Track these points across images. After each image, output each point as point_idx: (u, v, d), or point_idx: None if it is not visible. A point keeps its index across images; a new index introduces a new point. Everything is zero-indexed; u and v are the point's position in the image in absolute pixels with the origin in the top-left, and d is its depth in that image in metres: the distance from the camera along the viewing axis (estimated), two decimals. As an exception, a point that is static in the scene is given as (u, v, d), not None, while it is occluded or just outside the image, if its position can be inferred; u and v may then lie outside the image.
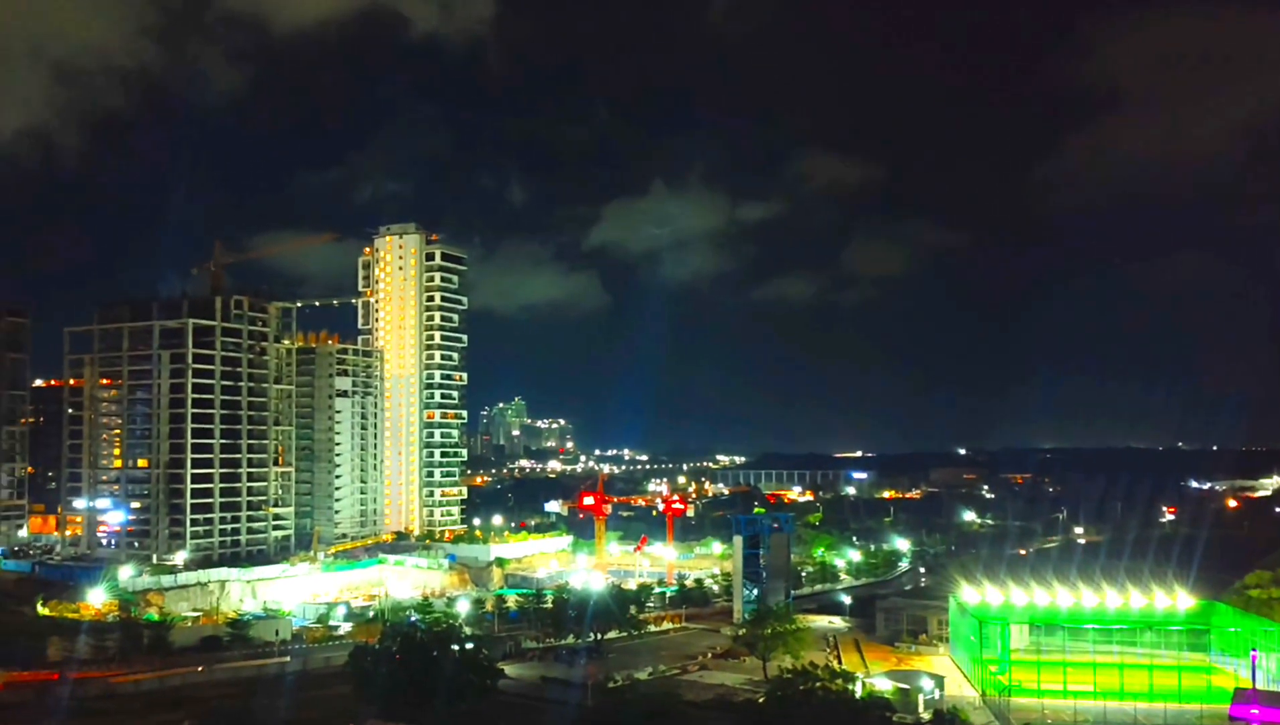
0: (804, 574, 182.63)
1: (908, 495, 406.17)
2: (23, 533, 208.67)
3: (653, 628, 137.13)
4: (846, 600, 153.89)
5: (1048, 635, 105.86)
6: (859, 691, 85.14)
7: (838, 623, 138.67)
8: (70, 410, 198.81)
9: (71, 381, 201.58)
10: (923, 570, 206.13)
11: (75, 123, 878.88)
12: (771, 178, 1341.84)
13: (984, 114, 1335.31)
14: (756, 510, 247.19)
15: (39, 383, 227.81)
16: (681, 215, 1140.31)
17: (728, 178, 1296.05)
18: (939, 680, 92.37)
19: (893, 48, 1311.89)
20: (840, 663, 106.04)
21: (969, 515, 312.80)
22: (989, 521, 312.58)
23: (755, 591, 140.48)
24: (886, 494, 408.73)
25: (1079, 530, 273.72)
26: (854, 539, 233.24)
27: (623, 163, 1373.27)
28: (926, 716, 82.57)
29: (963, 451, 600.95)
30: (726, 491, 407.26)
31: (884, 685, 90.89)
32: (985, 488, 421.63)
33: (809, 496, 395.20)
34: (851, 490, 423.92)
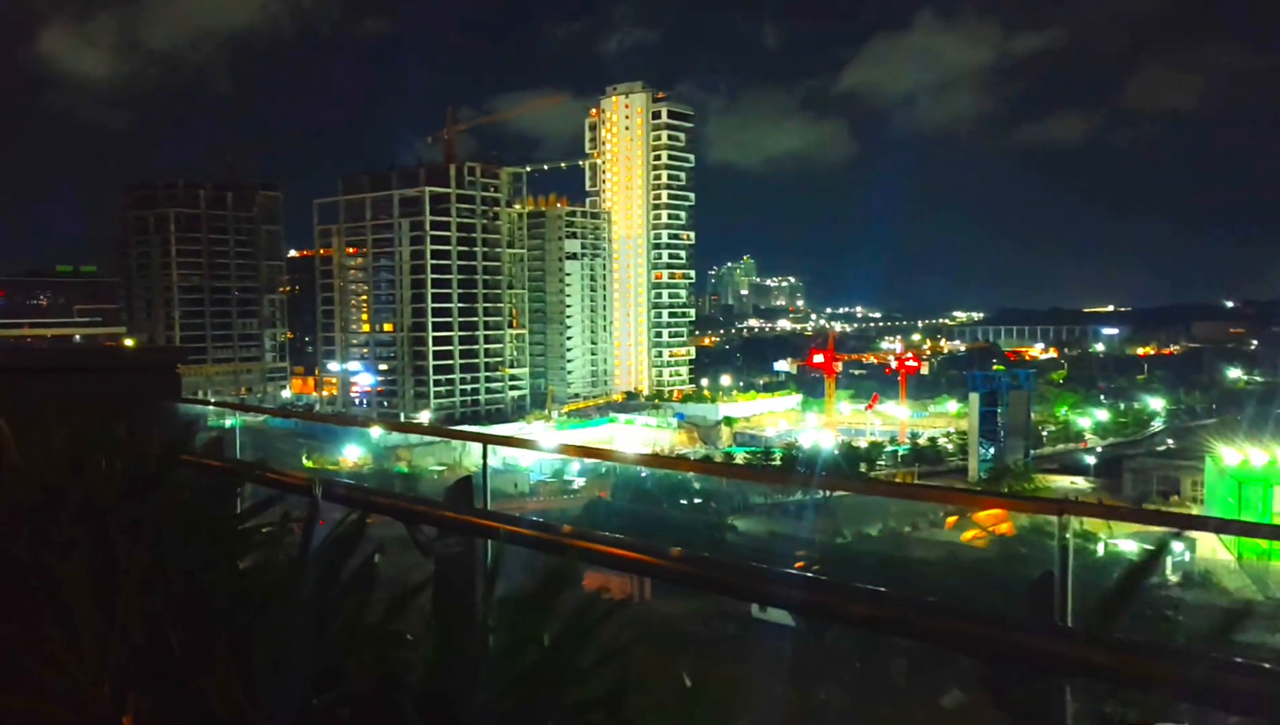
0: (1045, 433, 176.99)
1: (1164, 352, 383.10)
2: (286, 393, 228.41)
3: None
4: (1091, 461, 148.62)
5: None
6: (1100, 553, 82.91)
7: (1081, 483, 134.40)
8: (321, 278, 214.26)
9: (321, 251, 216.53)
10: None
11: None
12: (1056, 2, 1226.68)
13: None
14: (995, 367, 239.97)
15: (293, 253, 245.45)
16: (948, 50, 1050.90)
17: (1006, 3, 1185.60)
18: (1190, 543, 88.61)
19: None
20: (1081, 524, 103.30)
21: (1234, 372, 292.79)
22: (1257, 378, 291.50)
23: (992, 450, 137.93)
24: (1140, 351, 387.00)
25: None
26: (1101, 398, 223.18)
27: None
28: (1174, 579, 79.69)
29: (1230, 304, 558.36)
30: (963, 348, 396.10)
31: (1129, 547, 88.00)
32: (1255, 342, 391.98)
33: (1053, 353, 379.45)
34: (1100, 347, 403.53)
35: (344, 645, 2.18)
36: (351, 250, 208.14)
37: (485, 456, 5.96)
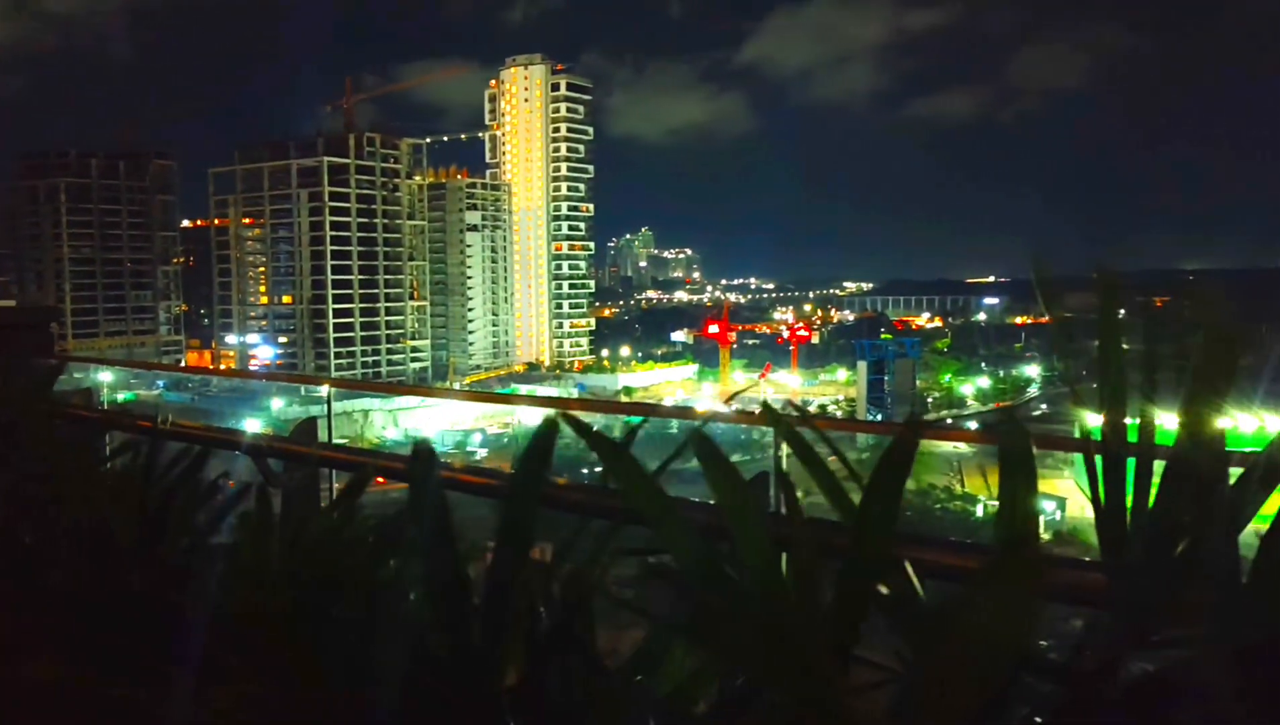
0: (930, 400, 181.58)
1: (1040, 320, 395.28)
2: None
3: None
4: (973, 426, 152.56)
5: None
6: (980, 513, 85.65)
7: (963, 448, 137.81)
8: (218, 250, 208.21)
9: (217, 221, 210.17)
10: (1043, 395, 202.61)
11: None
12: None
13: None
14: (883, 336, 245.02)
15: (187, 223, 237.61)
16: (845, 25, 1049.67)
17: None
18: (1060, 502, 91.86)
19: None
20: (963, 486, 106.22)
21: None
22: (1124, 346, 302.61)
23: (879, 417, 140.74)
24: (1019, 320, 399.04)
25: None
26: (983, 365, 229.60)
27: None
28: (1047, 537, 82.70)
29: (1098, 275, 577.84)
30: (853, 318, 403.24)
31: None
32: (1122, 311, 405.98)
33: (938, 322, 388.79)
34: (982, 316, 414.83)
35: (174, 540, 2.64)
36: (248, 221, 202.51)
37: (330, 400, 6.33)
